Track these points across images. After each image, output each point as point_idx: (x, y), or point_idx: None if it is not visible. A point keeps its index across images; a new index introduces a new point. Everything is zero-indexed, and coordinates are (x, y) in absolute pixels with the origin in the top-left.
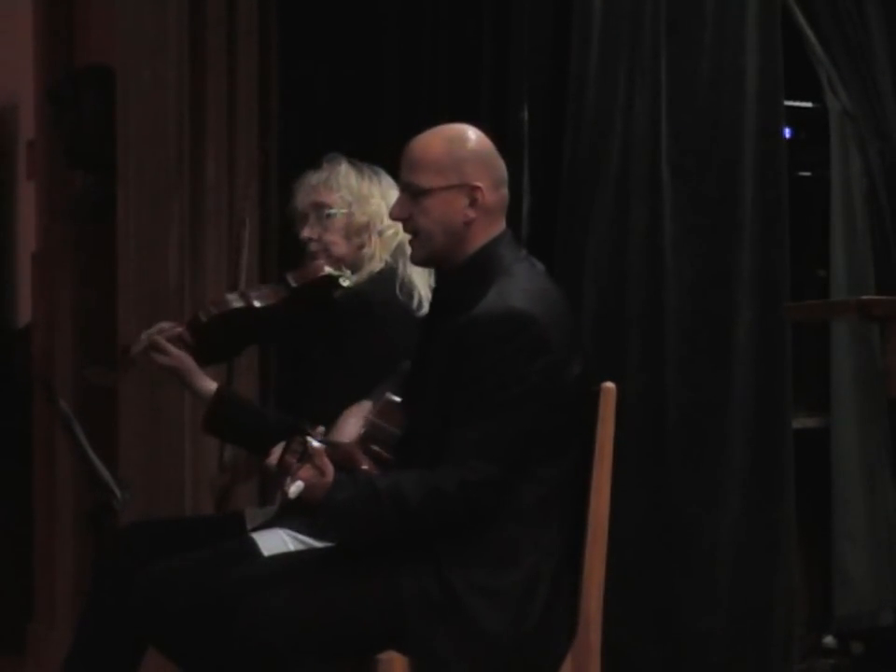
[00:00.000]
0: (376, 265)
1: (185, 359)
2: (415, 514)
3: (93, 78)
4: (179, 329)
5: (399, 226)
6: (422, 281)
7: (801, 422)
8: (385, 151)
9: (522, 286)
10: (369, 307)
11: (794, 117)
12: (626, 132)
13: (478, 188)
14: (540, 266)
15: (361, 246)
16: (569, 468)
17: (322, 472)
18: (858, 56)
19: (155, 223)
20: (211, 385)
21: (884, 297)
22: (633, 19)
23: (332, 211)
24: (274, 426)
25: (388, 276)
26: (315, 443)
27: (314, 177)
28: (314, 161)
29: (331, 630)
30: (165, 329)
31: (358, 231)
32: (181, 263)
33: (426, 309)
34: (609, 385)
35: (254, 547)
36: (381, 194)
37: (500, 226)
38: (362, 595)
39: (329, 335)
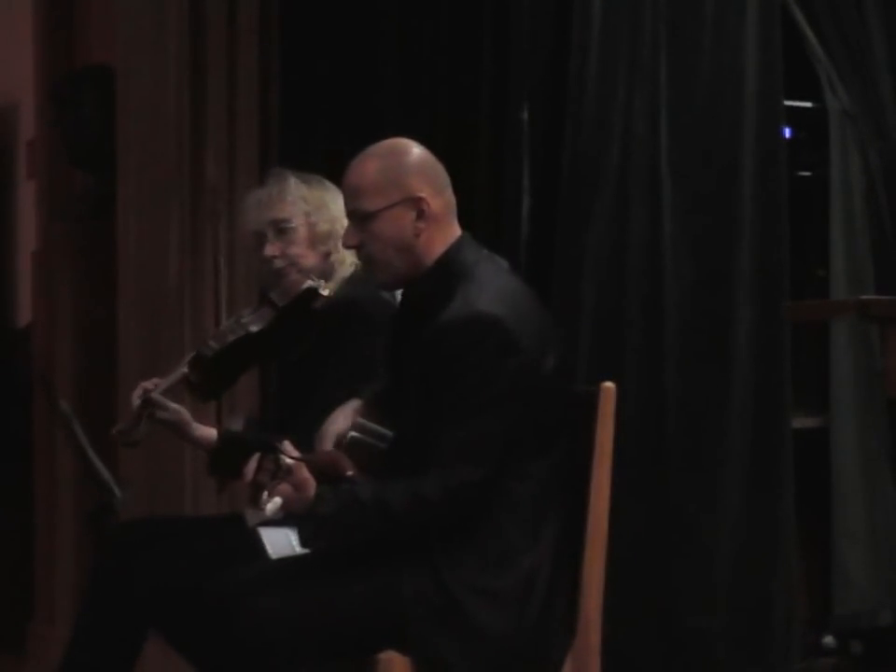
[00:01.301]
0: (347, 269)
1: (181, 412)
2: (400, 522)
3: (93, 78)
4: (183, 371)
5: None
6: None
7: (800, 421)
8: None
9: (486, 288)
10: (358, 309)
11: (794, 116)
12: (626, 132)
13: (421, 198)
14: (504, 263)
15: (328, 254)
16: (560, 463)
17: (299, 486)
18: (858, 56)
19: (155, 223)
20: (211, 432)
21: (883, 297)
22: (633, 19)
23: (293, 224)
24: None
25: (362, 277)
26: (287, 460)
27: (263, 194)
28: (314, 160)
29: (331, 630)
30: (157, 383)
31: (323, 239)
32: (181, 263)
33: None
34: (609, 384)
35: (258, 544)
36: (332, 198)
37: (454, 230)
38: (362, 595)
39: (322, 347)
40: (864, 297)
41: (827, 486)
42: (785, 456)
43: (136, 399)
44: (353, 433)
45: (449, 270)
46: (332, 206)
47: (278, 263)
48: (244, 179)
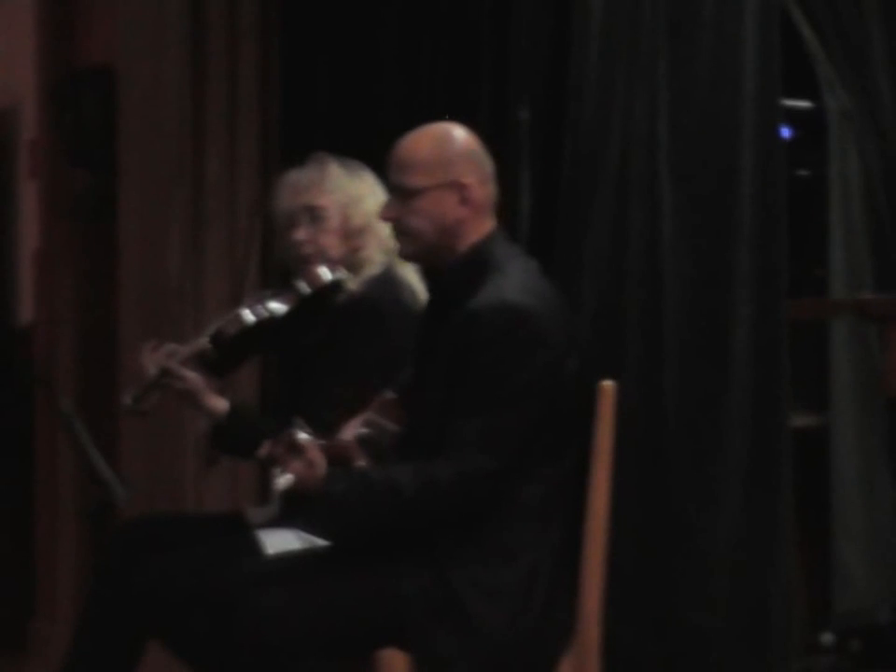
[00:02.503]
0: (374, 268)
1: (198, 381)
2: (411, 505)
3: (94, 78)
4: (205, 342)
5: None
6: (416, 280)
7: (799, 421)
8: (385, 151)
9: (516, 282)
10: (374, 310)
11: (793, 116)
12: (626, 132)
13: (467, 185)
14: (533, 262)
15: (357, 249)
16: (569, 466)
17: (311, 465)
18: (857, 56)
19: (155, 223)
20: (222, 403)
21: (882, 296)
22: (633, 19)
23: (328, 213)
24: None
25: (389, 278)
26: (303, 436)
27: (303, 178)
28: None
29: (332, 628)
30: (176, 350)
31: (355, 233)
32: (181, 263)
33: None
34: (608, 383)
35: (256, 544)
36: (372, 193)
37: (490, 223)
38: (363, 592)
39: (334, 341)
40: (863, 296)
41: (826, 486)
42: (784, 456)
43: (153, 368)
44: (363, 430)
45: (480, 261)
46: (370, 201)
47: (307, 249)
48: (244, 179)
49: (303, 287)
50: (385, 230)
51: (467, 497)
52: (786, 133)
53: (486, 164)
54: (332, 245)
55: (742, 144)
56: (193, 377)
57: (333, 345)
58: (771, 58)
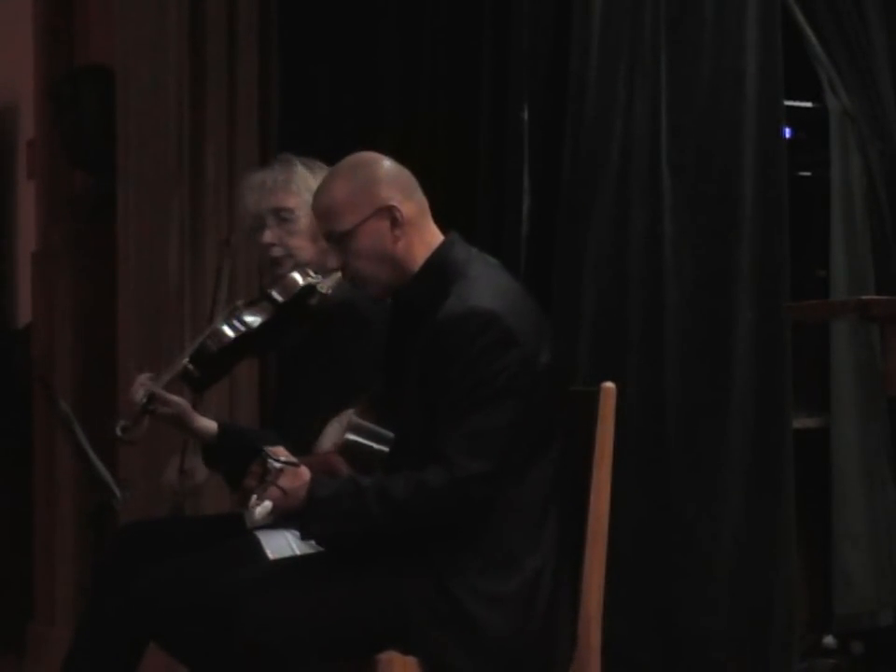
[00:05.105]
0: None
1: (184, 404)
2: (402, 510)
3: (93, 78)
4: (185, 363)
5: None
6: None
7: (801, 422)
8: (385, 152)
9: (481, 285)
10: (355, 312)
11: (794, 117)
12: (626, 132)
13: (392, 206)
14: (494, 261)
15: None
16: (558, 464)
17: (288, 491)
18: (858, 56)
19: (155, 223)
20: (212, 424)
21: (884, 297)
22: (633, 19)
23: (296, 215)
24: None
25: None
26: (276, 464)
27: (269, 179)
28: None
29: (332, 631)
30: (159, 375)
31: None
32: (181, 263)
33: None
34: (609, 384)
35: (257, 547)
36: None
37: (432, 231)
38: (363, 595)
39: (314, 346)
40: (865, 297)
41: (827, 486)
42: (785, 456)
43: (140, 397)
44: (349, 435)
45: (441, 269)
46: None
47: (276, 252)
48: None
49: (276, 296)
50: None
51: (462, 501)
52: (787, 133)
53: (405, 177)
54: (302, 246)
55: (744, 144)
56: (179, 401)
57: (314, 351)
58: (772, 58)
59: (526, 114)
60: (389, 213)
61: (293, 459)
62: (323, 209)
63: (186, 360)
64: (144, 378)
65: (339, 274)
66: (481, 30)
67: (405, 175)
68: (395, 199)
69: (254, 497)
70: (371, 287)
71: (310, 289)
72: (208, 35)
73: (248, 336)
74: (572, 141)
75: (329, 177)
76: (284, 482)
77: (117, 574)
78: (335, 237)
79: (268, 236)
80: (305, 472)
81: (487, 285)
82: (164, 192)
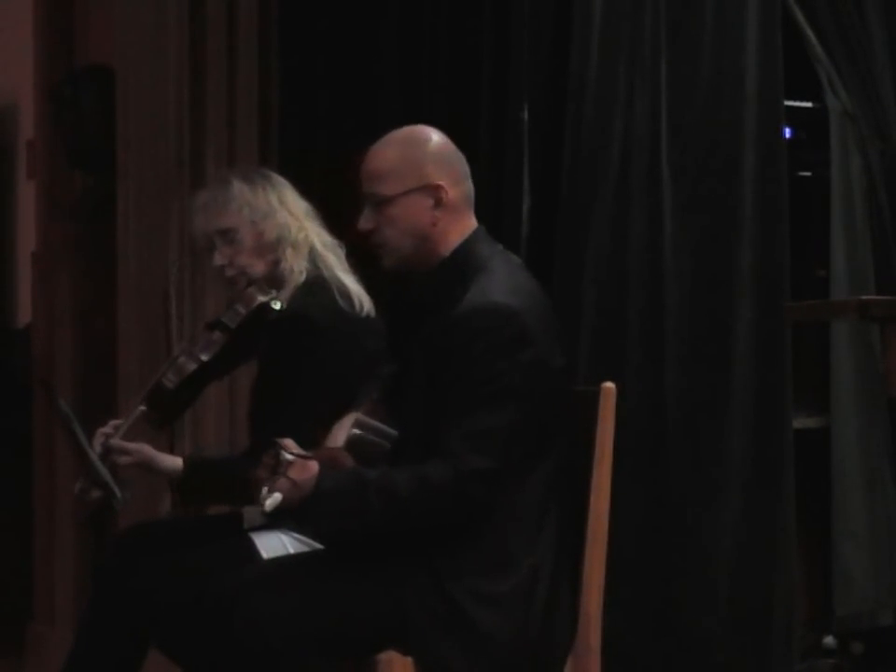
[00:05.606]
0: (299, 277)
1: (144, 450)
2: (405, 505)
3: (93, 78)
4: (142, 409)
5: (308, 230)
6: (351, 281)
7: (801, 422)
8: None
9: (501, 281)
10: (308, 323)
11: (794, 117)
12: (626, 132)
13: (440, 186)
14: (517, 259)
15: (277, 262)
16: (559, 467)
17: (297, 483)
18: (858, 56)
19: (155, 223)
20: (176, 461)
21: (884, 297)
22: (633, 19)
23: (239, 234)
24: (246, 468)
25: (319, 286)
26: (288, 456)
27: (210, 200)
28: (314, 160)
29: (331, 631)
30: (116, 425)
31: (271, 248)
32: (181, 263)
33: (368, 309)
34: (609, 384)
35: (252, 548)
36: (280, 201)
37: (470, 222)
38: (362, 595)
39: (272, 360)
40: (865, 297)
41: (827, 486)
42: (785, 456)
43: (98, 448)
44: (354, 430)
45: (464, 262)
46: (280, 212)
47: (229, 272)
48: None
49: (229, 322)
50: (300, 235)
51: (464, 498)
52: (787, 133)
53: (458, 163)
54: (251, 263)
55: (744, 144)
56: (137, 448)
57: (268, 366)
58: (772, 58)
59: (526, 114)
60: (435, 192)
61: (304, 452)
62: (370, 170)
63: (142, 406)
64: (103, 430)
65: (293, 286)
66: (481, 30)
67: (459, 159)
68: (443, 180)
69: (265, 489)
70: (390, 256)
71: (264, 308)
72: (208, 35)
73: (204, 367)
74: (572, 141)
75: (385, 141)
76: (294, 473)
77: (117, 574)
78: (375, 200)
79: (218, 258)
80: (314, 465)
81: (508, 281)
82: (164, 192)
